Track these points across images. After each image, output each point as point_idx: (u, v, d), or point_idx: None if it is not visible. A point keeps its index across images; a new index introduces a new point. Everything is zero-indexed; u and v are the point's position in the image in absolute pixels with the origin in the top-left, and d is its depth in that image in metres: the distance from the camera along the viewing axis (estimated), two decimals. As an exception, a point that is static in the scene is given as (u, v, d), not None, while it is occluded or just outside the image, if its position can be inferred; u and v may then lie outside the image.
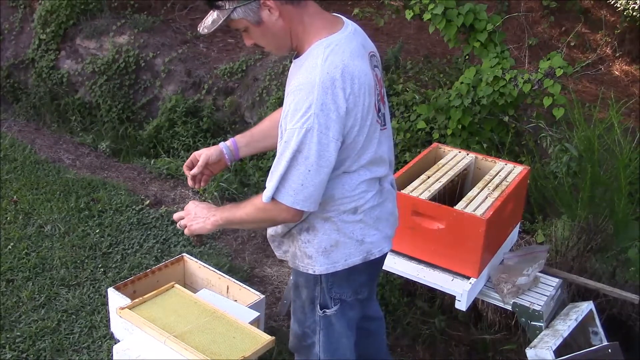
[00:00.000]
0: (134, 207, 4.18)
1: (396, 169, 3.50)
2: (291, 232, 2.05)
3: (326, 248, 2.00)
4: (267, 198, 1.85)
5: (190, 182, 2.23)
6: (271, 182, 1.84)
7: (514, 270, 2.81)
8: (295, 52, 1.95)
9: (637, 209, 3.56)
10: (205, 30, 1.88)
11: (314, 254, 2.01)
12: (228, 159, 2.23)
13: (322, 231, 1.98)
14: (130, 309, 2.61)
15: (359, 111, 1.83)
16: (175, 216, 2.11)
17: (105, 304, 3.16)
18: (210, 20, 1.87)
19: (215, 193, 4.37)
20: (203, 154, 2.19)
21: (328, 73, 1.77)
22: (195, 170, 2.19)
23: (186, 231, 2.06)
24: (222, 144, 2.21)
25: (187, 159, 4.55)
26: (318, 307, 2.09)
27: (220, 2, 1.82)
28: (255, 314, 2.82)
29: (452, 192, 2.98)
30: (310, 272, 2.04)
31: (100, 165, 4.95)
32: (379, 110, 1.97)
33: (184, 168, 2.22)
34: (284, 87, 2.27)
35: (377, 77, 1.98)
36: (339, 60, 1.80)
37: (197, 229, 2.03)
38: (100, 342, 2.99)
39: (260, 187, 4.59)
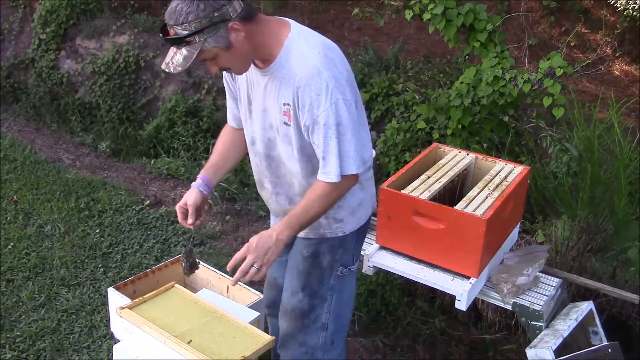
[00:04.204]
0: (134, 207, 4.18)
1: (396, 169, 3.51)
2: None
3: (354, 208, 2.17)
4: (337, 177, 1.95)
5: (189, 226, 2.25)
6: (330, 163, 1.94)
7: (514, 270, 2.81)
8: (260, 65, 1.99)
9: (637, 209, 3.56)
10: (179, 69, 1.87)
11: (345, 216, 2.16)
12: (207, 194, 2.28)
13: (350, 193, 2.11)
14: (130, 309, 2.61)
15: (349, 68, 2.03)
16: (237, 257, 1.98)
17: (105, 303, 3.16)
18: (180, 58, 1.85)
19: (216, 193, 4.38)
20: (191, 204, 2.21)
21: (319, 52, 1.93)
22: (191, 221, 2.22)
23: (258, 276, 1.97)
24: (196, 185, 2.25)
25: (187, 158, 4.58)
26: (339, 268, 2.22)
27: (189, 38, 1.82)
28: (255, 314, 2.82)
29: (452, 192, 2.98)
30: (340, 234, 2.18)
31: (100, 165, 4.95)
32: None
33: (182, 222, 2.25)
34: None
35: None
36: (316, 38, 1.98)
37: (270, 261, 1.99)
38: (100, 342, 2.99)
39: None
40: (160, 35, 1.89)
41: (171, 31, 1.84)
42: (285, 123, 2.00)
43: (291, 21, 2.01)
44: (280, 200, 2.22)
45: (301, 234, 2.18)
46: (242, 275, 1.96)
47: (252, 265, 1.95)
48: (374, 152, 2.31)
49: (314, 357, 2.31)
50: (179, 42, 1.83)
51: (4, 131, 5.38)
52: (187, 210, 2.23)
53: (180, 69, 1.87)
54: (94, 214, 4.06)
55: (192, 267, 2.54)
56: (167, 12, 1.84)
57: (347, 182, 2.01)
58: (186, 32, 1.81)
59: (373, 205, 2.28)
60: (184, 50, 1.84)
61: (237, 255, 1.97)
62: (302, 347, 2.31)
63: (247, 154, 2.37)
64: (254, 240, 1.98)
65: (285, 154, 2.08)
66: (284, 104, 1.96)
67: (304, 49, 1.92)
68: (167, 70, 1.89)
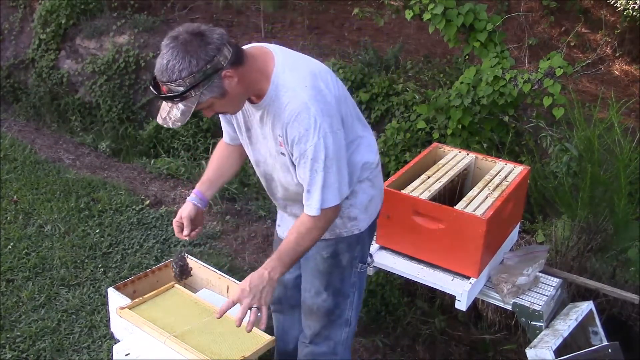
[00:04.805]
0: (134, 207, 4.18)
1: (396, 169, 3.51)
2: None
3: (366, 205, 2.22)
4: (317, 211, 2.00)
5: (185, 238, 2.29)
6: (314, 197, 1.99)
7: (514, 270, 2.81)
8: (254, 100, 2.00)
9: (637, 209, 3.56)
10: (178, 124, 1.87)
11: (358, 214, 2.21)
12: (202, 207, 2.31)
13: (361, 191, 2.19)
14: (130, 309, 2.61)
15: (339, 87, 2.04)
16: (231, 300, 1.98)
17: (105, 304, 3.16)
18: (178, 113, 1.85)
19: (216, 193, 4.37)
20: (185, 217, 2.25)
21: (306, 86, 1.93)
22: (187, 232, 2.26)
23: (263, 320, 2.00)
24: (191, 199, 2.29)
25: (187, 158, 4.61)
26: (359, 265, 2.28)
27: (185, 94, 1.82)
28: (255, 314, 2.82)
29: (452, 192, 2.98)
30: (356, 232, 2.23)
31: (100, 165, 4.95)
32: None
33: (178, 235, 2.28)
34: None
35: None
36: (302, 68, 1.98)
37: (267, 301, 2.00)
38: (100, 342, 2.99)
39: (260, 187, 4.59)
40: (152, 90, 1.87)
41: (164, 88, 1.83)
42: (281, 153, 2.04)
43: (273, 50, 2.00)
44: (294, 210, 2.25)
45: None
46: (243, 315, 1.95)
47: (251, 307, 1.96)
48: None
49: (335, 351, 2.38)
50: (175, 98, 1.83)
51: (4, 131, 5.38)
52: (183, 223, 2.26)
53: (179, 124, 1.87)
54: (94, 214, 4.06)
55: (182, 273, 2.55)
56: (158, 70, 1.82)
57: (330, 212, 2.03)
58: (181, 89, 1.80)
59: (382, 199, 2.33)
60: (180, 105, 1.85)
61: (231, 299, 1.96)
62: (328, 341, 2.38)
63: (242, 166, 2.44)
64: (246, 282, 1.97)
65: (285, 180, 2.13)
66: (279, 135, 2.00)
67: (291, 83, 1.93)
68: (165, 125, 1.90)
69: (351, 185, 2.13)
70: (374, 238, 2.86)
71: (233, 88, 1.88)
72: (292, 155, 1.99)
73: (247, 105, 2.05)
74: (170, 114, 1.87)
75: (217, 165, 2.36)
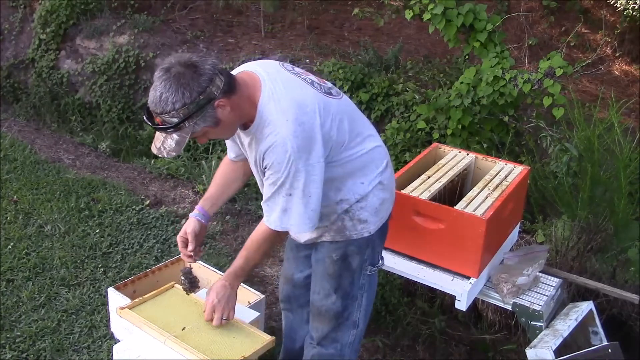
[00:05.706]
0: (134, 207, 4.18)
1: (396, 169, 3.51)
2: (339, 207, 2.17)
3: (377, 207, 2.21)
4: (279, 227, 2.06)
5: (189, 260, 2.37)
6: (274, 213, 2.04)
7: (514, 270, 2.81)
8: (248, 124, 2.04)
9: (637, 209, 3.56)
10: (173, 154, 1.91)
11: (369, 217, 2.20)
12: (205, 223, 2.38)
13: (372, 194, 2.18)
14: (130, 309, 2.61)
15: (330, 112, 2.01)
16: (207, 314, 2.32)
17: (105, 304, 3.16)
18: (172, 143, 1.90)
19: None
20: (190, 232, 2.32)
21: (287, 120, 1.92)
22: (191, 247, 2.33)
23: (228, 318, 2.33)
24: (194, 215, 2.35)
25: (187, 158, 4.62)
26: (369, 267, 2.28)
27: (180, 124, 1.85)
28: (255, 314, 2.82)
29: (452, 192, 2.98)
30: (366, 234, 2.21)
31: (100, 165, 4.95)
32: (323, 90, 2.11)
33: (182, 250, 2.35)
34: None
35: (301, 73, 2.14)
36: (288, 99, 1.96)
37: (233, 307, 2.30)
38: (100, 342, 2.99)
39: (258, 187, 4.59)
40: (146, 120, 1.91)
41: (158, 119, 1.87)
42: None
43: (262, 77, 2.01)
44: None
45: (328, 238, 2.24)
46: (218, 324, 2.31)
47: (222, 318, 2.29)
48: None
49: (342, 353, 2.38)
50: (169, 129, 1.87)
51: (4, 131, 5.38)
52: (187, 238, 2.30)
53: (174, 153, 1.91)
54: (94, 214, 4.06)
55: (192, 286, 2.58)
56: (151, 101, 1.85)
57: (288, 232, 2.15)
58: (175, 120, 1.84)
59: (393, 201, 2.32)
60: (175, 136, 1.89)
61: (207, 312, 2.31)
62: (335, 343, 2.37)
63: (246, 182, 2.46)
64: (213, 295, 2.26)
65: None
66: (261, 158, 2.04)
67: (273, 116, 1.94)
68: (160, 155, 1.94)
69: (361, 191, 2.16)
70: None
71: (226, 116, 1.91)
72: (264, 174, 2.03)
73: (238, 131, 2.08)
74: (164, 144, 1.91)
75: (220, 182, 2.38)
